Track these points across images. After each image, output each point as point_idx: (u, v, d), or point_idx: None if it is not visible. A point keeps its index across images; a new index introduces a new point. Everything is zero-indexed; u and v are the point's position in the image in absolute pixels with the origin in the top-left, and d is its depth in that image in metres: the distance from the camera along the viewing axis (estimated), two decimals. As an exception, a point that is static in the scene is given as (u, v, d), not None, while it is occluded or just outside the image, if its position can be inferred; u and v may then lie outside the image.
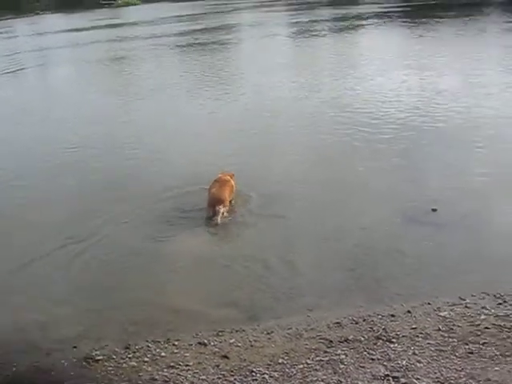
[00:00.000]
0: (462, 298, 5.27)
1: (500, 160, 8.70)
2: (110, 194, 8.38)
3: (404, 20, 29.71)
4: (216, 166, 8.46)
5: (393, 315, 5.02)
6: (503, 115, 10.97)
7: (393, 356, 4.34)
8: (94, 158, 10.03)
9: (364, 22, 29.90)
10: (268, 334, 4.87)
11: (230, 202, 7.66)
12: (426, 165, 8.86)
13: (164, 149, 10.31)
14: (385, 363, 4.25)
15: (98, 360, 4.61)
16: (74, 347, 4.84)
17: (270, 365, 4.36)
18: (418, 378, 4.03)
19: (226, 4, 58.59)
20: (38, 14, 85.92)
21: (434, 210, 7.18)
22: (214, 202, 7.40)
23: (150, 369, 4.42)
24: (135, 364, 4.53)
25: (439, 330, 4.72)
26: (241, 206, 7.77)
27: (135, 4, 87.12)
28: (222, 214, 7.35)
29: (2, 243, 7.10)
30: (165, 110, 13.79)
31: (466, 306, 5.14)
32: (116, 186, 8.76)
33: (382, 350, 4.45)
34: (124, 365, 4.53)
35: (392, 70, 16.45)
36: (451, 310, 5.06)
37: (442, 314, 5.01)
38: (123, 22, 48.33)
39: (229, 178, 7.84)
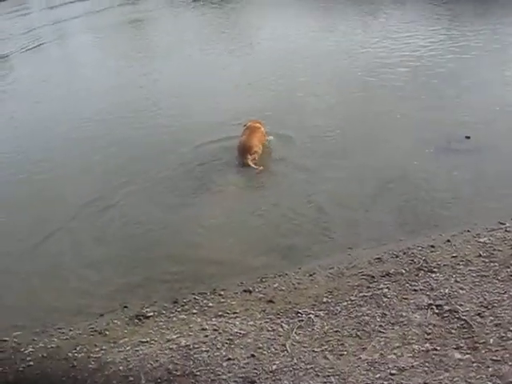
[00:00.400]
0: (501, 223, 5.26)
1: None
2: (137, 156, 8.20)
3: None
4: (245, 114, 8.40)
5: (432, 246, 5.04)
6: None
7: (435, 285, 4.38)
8: (116, 127, 9.77)
9: None
10: (310, 275, 4.95)
11: (262, 146, 7.60)
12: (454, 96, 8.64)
13: (187, 107, 10.16)
14: (427, 293, 4.29)
15: (149, 316, 4.75)
16: (125, 307, 5.00)
17: (314, 305, 4.45)
18: (461, 305, 4.07)
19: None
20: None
21: (467, 138, 7.08)
22: (244, 150, 7.39)
23: (199, 320, 4.55)
24: (184, 317, 4.66)
25: (480, 256, 4.73)
26: (272, 153, 7.77)
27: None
28: (253, 160, 7.32)
29: (32, 215, 7.06)
30: (182, 69, 13.61)
31: (506, 230, 5.13)
32: (142, 148, 8.48)
33: (423, 280, 4.49)
34: (174, 318, 4.66)
35: None
36: (491, 236, 5.06)
37: (481, 240, 5.01)
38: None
39: (258, 124, 7.73)
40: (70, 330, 4.78)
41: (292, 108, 8.94)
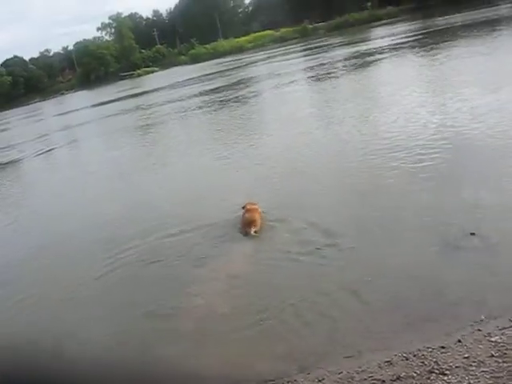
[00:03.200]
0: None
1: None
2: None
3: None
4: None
5: (443, 347, 4.92)
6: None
7: (448, 389, 4.27)
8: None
9: (379, 57, 30.32)
10: (319, 381, 4.82)
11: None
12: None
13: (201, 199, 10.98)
14: (441, 397, 4.17)
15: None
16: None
17: (325, 412, 4.33)
18: (476, 409, 3.95)
19: (239, 60, 60.19)
20: (63, 94, 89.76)
21: (472, 234, 7.09)
22: (247, 223, 8.55)
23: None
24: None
25: (492, 356, 4.61)
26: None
27: (153, 71, 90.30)
28: (255, 232, 8.44)
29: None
30: (193, 168, 14.27)
31: (517, 328, 5.04)
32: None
33: (436, 383, 4.38)
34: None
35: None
36: (502, 334, 4.95)
37: (493, 339, 4.90)
38: (144, 91, 50.12)
39: (256, 206, 8.91)
40: None
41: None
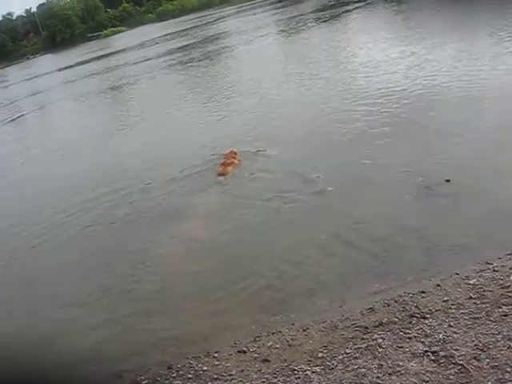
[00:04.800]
0: (488, 263, 5.27)
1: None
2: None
3: None
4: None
5: (423, 291, 5.04)
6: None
7: (429, 331, 4.37)
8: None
9: (348, 7, 29.98)
10: (304, 330, 4.92)
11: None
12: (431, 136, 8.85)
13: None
14: (422, 340, 4.27)
15: (144, 384, 4.70)
16: (120, 376, 4.93)
17: (310, 361, 4.41)
18: (456, 349, 4.06)
19: (208, 15, 58.95)
20: (28, 58, 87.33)
21: (447, 181, 7.18)
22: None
23: (194, 384, 4.50)
24: (180, 382, 4.60)
25: (471, 298, 4.73)
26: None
27: (121, 31, 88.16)
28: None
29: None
30: (169, 126, 14.27)
31: (494, 270, 5.14)
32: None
33: (417, 327, 4.48)
34: (169, 385, 4.61)
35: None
36: (480, 277, 5.07)
37: (471, 282, 5.02)
38: (112, 51, 48.96)
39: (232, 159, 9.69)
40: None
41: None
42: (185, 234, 7.52)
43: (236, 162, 9.66)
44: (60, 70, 46.27)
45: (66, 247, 8.26)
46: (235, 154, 9.83)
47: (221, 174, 9.38)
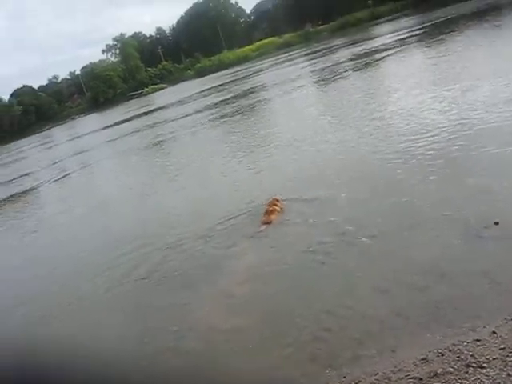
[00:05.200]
0: (545, 308, 5.10)
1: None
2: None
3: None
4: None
5: (478, 339, 4.85)
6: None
7: (487, 382, 4.19)
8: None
9: (384, 54, 30.26)
10: (356, 383, 4.79)
11: None
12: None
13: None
14: (481, 391, 4.11)
15: None
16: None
17: (364, 415, 4.28)
18: (517, 400, 3.88)
19: (245, 69, 60.35)
20: (73, 118, 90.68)
21: (496, 224, 6.99)
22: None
23: None
24: None
25: (529, 345, 4.56)
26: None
27: (161, 88, 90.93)
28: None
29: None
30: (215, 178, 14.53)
31: (552, 314, 4.96)
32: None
33: (474, 377, 4.30)
34: None
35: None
36: (537, 323, 4.89)
37: (528, 328, 4.84)
38: (153, 108, 50.42)
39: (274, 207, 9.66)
40: None
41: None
42: (225, 290, 7.47)
43: (278, 209, 9.62)
44: (103, 128, 47.81)
45: (105, 303, 8.40)
46: (277, 201, 9.82)
47: (264, 223, 9.35)
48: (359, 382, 4.78)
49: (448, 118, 12.21)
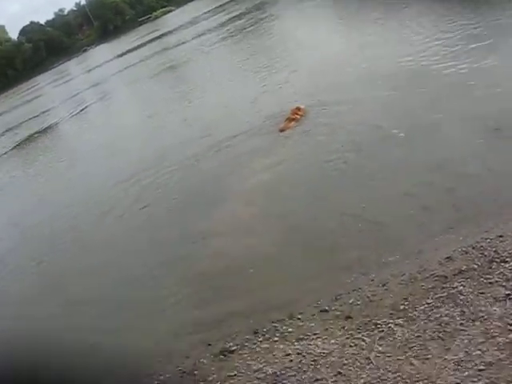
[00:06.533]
0: None
1: None
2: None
3: None
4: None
5: (501, 236, 4.94)
6: None
7: (510, 275, 4.31)
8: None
9: None
10: (383, 285, 4.96)
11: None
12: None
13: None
14: (503, 284, 4.23)
15: (233, 350, 4.89)
16: (209, 345, 5.16)
17: (392, 314, 4.47)
18: (541, 290, 4.02)
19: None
20: (85, 50, 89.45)
21: (496, 130, 6.91)
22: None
23: (281, 346, 4.65)
24: (267, 345, 4.77)
25: (552, 237, 4.65)
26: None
27: (170, 11, 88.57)
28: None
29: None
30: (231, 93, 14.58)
31: None
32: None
33: (497, 271, 4.43)
34: (257, 348, 4.78)
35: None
36: (559, 215, 4.96)
37: (550, 221, 4.92)
38: (164, 32, 49.33)
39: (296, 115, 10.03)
40: (160, 375, 4.98)
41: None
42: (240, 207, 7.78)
43: (298, 117, 9.92)
44: (116, 57, 47.22)
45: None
46: (299, 109, 10.10)
47: (282, 130, 9.74)
48: (387, 283, 4.95)
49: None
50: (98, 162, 14.24)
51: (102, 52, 66.03)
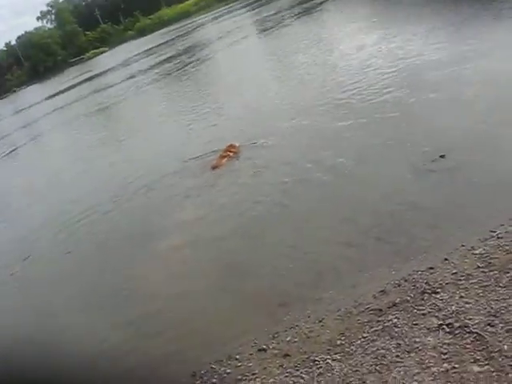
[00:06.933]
0: (492, 231, 5.33)
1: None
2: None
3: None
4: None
5: (431, 267, 5.09)
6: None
7: (442, 305, 4.44)
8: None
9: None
10: (320, 321, 4.98)
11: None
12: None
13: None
14: (436, 314, 4.35)
15: (169, 394, 4.78)
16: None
17: (329, 349, 4.48)
18: (470, 318, 4.13)
19: (186, 25, 58.96)
20: (14, 91, 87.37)
21: (441, 157, 7.22)
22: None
23: (220, 388, 4.58)
24: (205, 388, 4.68)
25: (478, 267, 4.79)
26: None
27: (103, 52, 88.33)
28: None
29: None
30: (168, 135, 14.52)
31: (498, 237, 5.19)
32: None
33: (429, 302, 4.55)
34: (195, 392, 4.68)
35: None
36: (485, 245, 5.12)
37: (477, 251, 5.08)
38: (96, 73, 49.01)
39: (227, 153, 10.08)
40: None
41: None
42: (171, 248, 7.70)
43: (231, 154, 9.99)
44: (47, 98, 46.37)
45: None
46: (233, 147, 10.15)
47: (214, 167, 9.80)
48: (323, 319, 4.98)
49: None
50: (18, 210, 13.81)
51: (32, 93, 64.70)
